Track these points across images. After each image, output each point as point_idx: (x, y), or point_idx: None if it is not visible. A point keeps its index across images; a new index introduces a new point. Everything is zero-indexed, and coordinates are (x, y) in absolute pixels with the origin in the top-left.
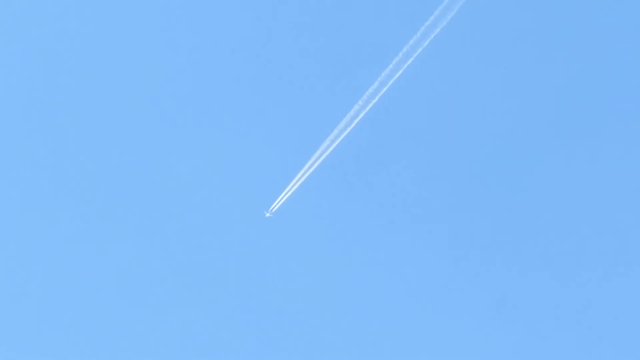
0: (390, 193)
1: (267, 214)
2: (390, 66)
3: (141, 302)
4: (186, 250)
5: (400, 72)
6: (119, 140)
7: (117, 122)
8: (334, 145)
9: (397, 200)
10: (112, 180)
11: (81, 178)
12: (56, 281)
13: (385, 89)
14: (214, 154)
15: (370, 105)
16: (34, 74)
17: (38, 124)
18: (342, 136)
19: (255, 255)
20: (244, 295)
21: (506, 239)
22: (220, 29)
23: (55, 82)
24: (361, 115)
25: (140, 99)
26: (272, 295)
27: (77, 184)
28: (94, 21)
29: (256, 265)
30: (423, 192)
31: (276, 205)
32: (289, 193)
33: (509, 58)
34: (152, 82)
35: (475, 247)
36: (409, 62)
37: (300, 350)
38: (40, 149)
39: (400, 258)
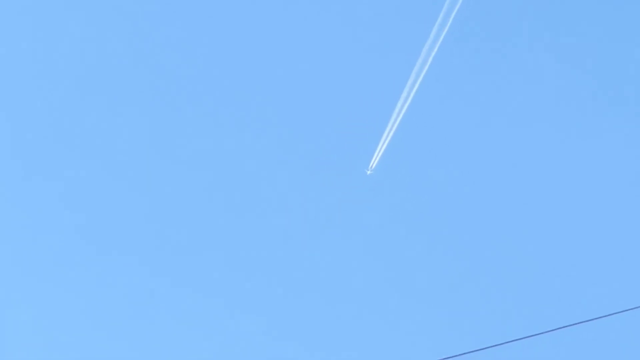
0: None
1: (368, 172)
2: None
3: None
4: (283, 222)
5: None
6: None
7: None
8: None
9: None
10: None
11: (141, 158)
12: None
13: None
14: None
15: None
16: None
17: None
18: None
19: (363, 219)
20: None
21: None
22: None
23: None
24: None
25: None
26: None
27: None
28: None
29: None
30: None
31: (375, 160)
32: (385, 144)
33: None
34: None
35: None
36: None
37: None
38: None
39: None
